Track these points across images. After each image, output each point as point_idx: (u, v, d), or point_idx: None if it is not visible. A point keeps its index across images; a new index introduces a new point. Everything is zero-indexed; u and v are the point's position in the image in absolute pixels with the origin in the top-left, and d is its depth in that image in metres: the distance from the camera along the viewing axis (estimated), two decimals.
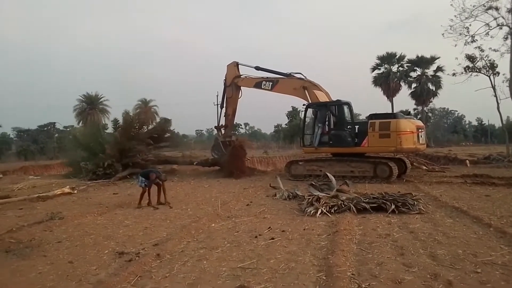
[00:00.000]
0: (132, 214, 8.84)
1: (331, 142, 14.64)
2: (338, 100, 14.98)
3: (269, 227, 6.95)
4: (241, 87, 18.46)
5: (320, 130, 14.96)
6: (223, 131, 19.24)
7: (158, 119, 63.20)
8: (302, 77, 16.46)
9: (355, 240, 5.88)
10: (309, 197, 8.94)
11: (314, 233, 6.50)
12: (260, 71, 17.80)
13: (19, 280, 4.65)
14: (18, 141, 69.19)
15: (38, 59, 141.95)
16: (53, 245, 6.26)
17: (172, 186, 14.52)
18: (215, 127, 19.64)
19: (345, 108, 14.75)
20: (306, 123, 15.71)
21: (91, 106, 56.63)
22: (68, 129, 59.95)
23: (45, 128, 72.18)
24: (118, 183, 15.88)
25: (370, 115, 14.82)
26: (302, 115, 15.74)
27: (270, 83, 17.13)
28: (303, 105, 15.66)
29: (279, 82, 16.99)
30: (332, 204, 8.28)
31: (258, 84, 17.56)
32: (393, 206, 7.90)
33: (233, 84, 18.34)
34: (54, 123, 71.89)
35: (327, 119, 15.08)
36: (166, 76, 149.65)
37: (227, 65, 18.69)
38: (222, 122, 19.23)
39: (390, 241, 5.79)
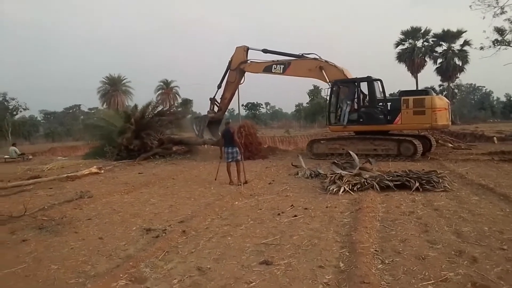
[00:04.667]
0: (158, 193, 9.06)
1: (361, 120, 14.26)
2: (368, 76, 14.44)
3: (292, 205, 7.01)
4: (246, 73, 17.76)
5: (349, 108, 14.48)
6: (215, 109, 18.55)
7: (179, 100, 64.64)
8: (317, 57, 15.83)
9: (378, 218, 5.87)
10: (332, 175, 8.92)
11: (337, 210, 6.52)
12: (268, 53, 16.92)
13: (53, 255, 4.86)
14: (45, 123, 71.37)
15: (63, 42, 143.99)
16: (83, 222, 6.51)
17: (195, 165, 14.76)
18: (210, 99, 18.55)
19: (376, 85, 14.32)
20: (332, 100, 15.09)
21: (114, 87, 57.42)
22: (92, 111, 61.22)
23: (71, 110, 74.09)
24: (143, 163, 16.22)
25: (400, 92, 14.79)
26: (328, 92, 15.17)
27: (282, 66, 16.45)
28: (330, 82, 15.05)
29: (291, 64, 16.33)
30: (354, 182, 8.25)
31: (267, 68, 16.88)
32: (417, 184, 7.83)
33: (238, 69, 17.62)
34: (79, 105, 73.82)
35: (356, 96, 14.66)
36: (188, 56, 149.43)
37: (237, 47, 17.82)
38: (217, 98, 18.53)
39: (414, 218, 5.76)
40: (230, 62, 17.90)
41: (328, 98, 15.19)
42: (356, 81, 14.71)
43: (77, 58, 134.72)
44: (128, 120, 18.28)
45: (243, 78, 17.91)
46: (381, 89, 14.21)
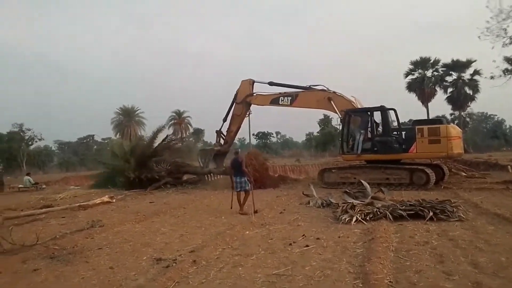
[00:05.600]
0: (168, 222, 9.04)
1: (375, 149, 14.21)
2: (382, 106, 14.46)
3: (303, 235, 6.92)
4: (252, 105, 17.91)
5: (362, 137, 14.48)
6: (221, 141, 18.65)
7: (191, 130, 65.37)
8: (324, 88, 15.98)
9: (392, 248, 5.76)
10: (344, 204, 8.83)
11: (350, 240, 6.42)
12: (274, 86, 17.04)
13: (63, 285, 4.85)
14: (59, 153, 72.44)
15: (74, 73, 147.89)
16: (94, 251, 6.50)
17: (206, 194, 14.75)
18: (216, 131, 18.71)
19: (390, 114, 14.37)
20: (344, 129, 15.04)
21: (127, 118, 58.44)
22: (106, 141, 62.07)
23: (85, 141, 75.18)
24: (154, 192, 16.26)
25: (414, 121, 14.91)
26: (339, 121, 15.36)
27: (289, 98, 16.57)
28: (342, 111, 15.09)
29: (299, 96, 16.46)
30: (367, 211, 8.13)
31: (275, 100, 16.98)
32: (431, 213, 7.68)
33: (244, 102, 17.78)
34: (93, 135, 74.85)
35: (370, 126, 14.71)
36: (198, 86, 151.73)
37: (242, 81, 17.98)
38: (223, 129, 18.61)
39: (428, 249, 5.63)
40: (235, 95, 18.04)
41: (341, 127, 15.24)
42: (369, 111, 14.78)
43: (91, 90, 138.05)
44: (128, 160, 18.29)
45: (249, 110, 18.04)
46: (394, 118, 14.27)
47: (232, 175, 10.07)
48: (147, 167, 17.91)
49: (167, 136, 20.92)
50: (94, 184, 20.45)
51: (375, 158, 14.36)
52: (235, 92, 18.11)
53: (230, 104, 18.30)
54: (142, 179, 17.44)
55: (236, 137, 20.18)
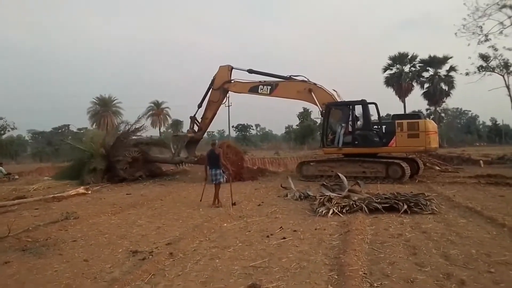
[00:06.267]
0: (145, 214, 8.95)
1: (356, 142, 14.35)
2: (363, 100, 14.59)
3: (281, 227, 6.97)
4: (228, 93, 17.54)
5: (343, 130, 14.58)
6: (196, 128, 18.18)
7: (170, 121, 64.54)
8: (305, 79, 15.92)
9: (367, 240, 5.87)
10: (321, 197, 8.93)
11: (326, 233, 6.51)
12: (254, 74, 16.76)
13: (35, 278, 4.75)
14: (33, 143, 70.44)
15: (53, 62, 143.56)
16: (69, 244, 6.38)
17: (184, 186, 14.65)
18: (190, 117, 18.22)
19: (371, 108, 14.54)
20: (326, 123, 15.03)
21: (104, 108, 57.26)
22: (81, 131, 60.69)
23: (60, 130, 73.21)
24: (131, 184, 16.03)
25: (393, 115, 15.14)
26: (319, 114, 15.34)
27: (269, 87, 16.34)
28: (323, 104, 15.10)
29: (279, 85, 16.30)
30: (343, 204, 8.27)
31: (253, 88, 16.69)
32: (405, 206, 7.87)
33: (221, 89, 17.33)
34: (68, 125, 72.91)
35: (350, 119, 14.85)
36: (179, 77, 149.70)
37: (220, 66, 17.48)
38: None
39: (402, 241, 5.77)
40: (212, 81, 17.58)
41: (322, 120, 15.31)
42: (350, 104, 14.91)
43: (68, 77, 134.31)
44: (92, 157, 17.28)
45: (225, 98, 17.61)
46: (374, 113, 14.48)
47: (207, 166, 10.02)
48: (115, 169, 16.98)
49: (125, 125, 19.71)
50: (61, 175, 19.00)
51: (356, 151, 14.50)
52: (212, 78, 17.63)
53: (206, 89, 17.78)
54: (114, 179, 16.71)
55: (216, 129, 19.98)
